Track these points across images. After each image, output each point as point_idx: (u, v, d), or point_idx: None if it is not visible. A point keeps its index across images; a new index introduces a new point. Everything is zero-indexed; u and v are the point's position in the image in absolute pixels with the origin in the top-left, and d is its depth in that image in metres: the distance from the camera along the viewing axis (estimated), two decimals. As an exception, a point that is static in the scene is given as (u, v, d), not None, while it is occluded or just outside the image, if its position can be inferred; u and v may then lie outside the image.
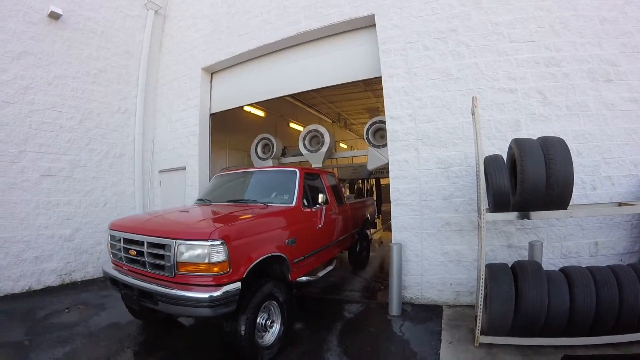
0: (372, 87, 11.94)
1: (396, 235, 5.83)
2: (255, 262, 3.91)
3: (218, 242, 3.49)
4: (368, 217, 8.75)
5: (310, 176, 5.98)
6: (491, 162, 4.09)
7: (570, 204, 3.82)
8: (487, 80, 5.35)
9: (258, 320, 3.95)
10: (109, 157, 8.42)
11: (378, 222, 13.94)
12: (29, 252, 6.85)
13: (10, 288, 6.54)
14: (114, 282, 4.26)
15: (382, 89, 6.07)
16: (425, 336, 4.54)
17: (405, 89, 5.80)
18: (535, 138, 3.98)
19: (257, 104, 10.76)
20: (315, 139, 8.82)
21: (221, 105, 8.85)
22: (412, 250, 5.71)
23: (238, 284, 3.63)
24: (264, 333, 4.10)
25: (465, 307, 5.32)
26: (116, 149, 8.58)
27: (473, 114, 4.18)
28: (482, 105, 5.09)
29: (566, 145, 3.71)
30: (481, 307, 4.04)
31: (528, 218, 3.96)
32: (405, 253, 5.70)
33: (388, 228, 13.74)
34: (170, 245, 3.62)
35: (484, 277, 4.05)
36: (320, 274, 5.48)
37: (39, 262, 6.96)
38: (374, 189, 16.29)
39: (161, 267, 3.73)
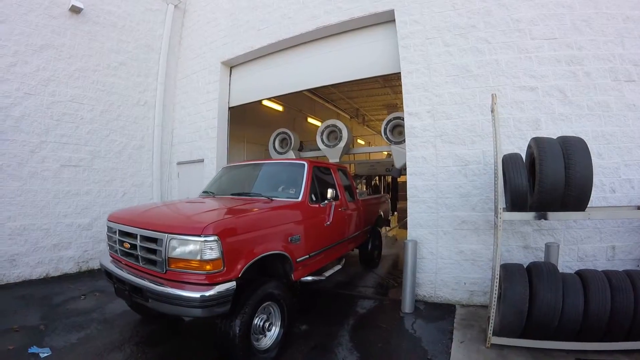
0: (390, 83, 11.90)
1: (412, 232, 5.79)
2: (253, 260, 3.67)
3: (212, 238, 3.25)
4: (381, 215, 8.47)
5: (320, 170, 5.71)
6: (510, 161, 4.02)
7: (588, 205, 3.73)
8: (507, 77, 5.25)
9: (255, 322, 3.73)
10: (129, 148, 8.53)
11: (393, 219, 13.85)
12: (48, 240, 6.99)
13: (28, 274, 6.69)
14: (109, 275, 4.09)
15: (400, 85, 6.02)
16: (437, 335, 4.51)
17: (424, 85, 5.74)
18: (555, 137, 3.90)
19: (276, 99, 10.81)
20: (333, 134, 8.78)
21: (240, 99, 8.89)
22: (427, 248, 5.67)
23: (233, 284, 3.38)
24: (261, 336, 3.89)
25: (478, 307, 5.27)
26: (135, 140, 8.70)
27: (492, 111, 4.12)
28: (501, 103, 5.03)
29: (586, 145, 3.62)
30: (494, 307, 3.99)
31: (545, 219, 3.88)
32: (420, 250, 5.66)
33: (403, 226, 13.69)
34: (162, 240, 3.40)
35: (498, 277, 3.98)
36: (327, 273, 5.34)
37: (57, 250, 7.10)
38: (390, 186, 16.17)
39: (153, 262, 3.52)
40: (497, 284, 3.97)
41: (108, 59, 8.03)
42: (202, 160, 8.74)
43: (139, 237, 3.68)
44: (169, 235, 3.37)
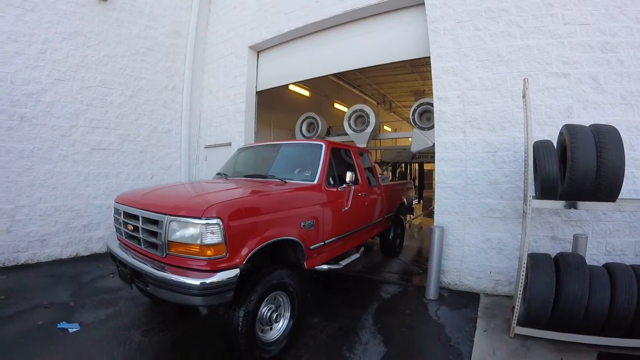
0: (418, 69, 11.74)
1: (439, 218, 5.74)
2: (260, 246, 3.40)
3: (213, 222, 3.00)
4: (404, 202, 8.13)
5: (338, 152, 5.40)
6: (541, 148, 3.92)
7: (618, 197, 3.63)
8: (538, 63, 5.09)
9: (262, 312, 3.49)
10: (157, 132, 8.67)
11: (418, 207, 13.70)
12: (78, 220, 7.20)
13: (59, 253, 6.92)
14: (114, 258, 3.92)
15: (429, 71, 5.92)
16: (461, 322, 4.48)
17: (454, 70, 5.62)
18: (587, 125, 3.79)
19: (303, 83, 10.81)
20: (360, 119, 8.68)
21: (267, 83, 8.91)
22: (454, 235, 5.61)
23: (236, 271, 3.13)
24: (268, 327, 3.64)
25: (502, 297, 5.21)
26: (164, 124, 8.82)
27: (524, 96, 4.02)
28: (532, 89, 4.88)
29: (619, 134, 3.50)
30: (520, 296, 3.92)
31: (575, 208, 3.78)
32: (447, 237, 5.61)
33: (429, 215, 13.58)
34: (162, 222, 3.19)
35: (525, 266, 3.92)
36: (344, 262, 5.02)
37: (87, 230, 7.31)
38: (417, 173, 16.00)
39: (155, 246, 3.31)
40: (524, 273, 3.90)
41: (136, 45, 8.14)
42: (229, 144, 8.80)
43: (140, 218, 3.50)
44: (169, 217, 3.16)
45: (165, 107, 8.83)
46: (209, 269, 3.02)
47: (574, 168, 3.49)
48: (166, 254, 3.17)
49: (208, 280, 2.93)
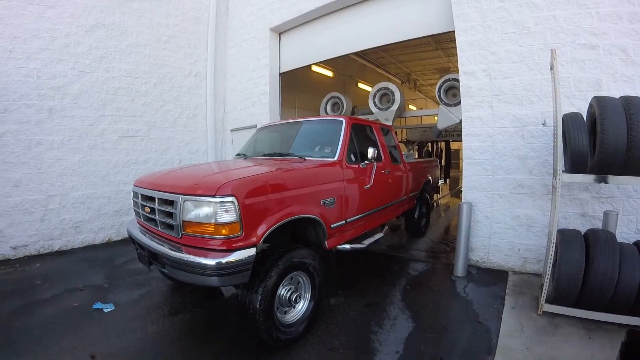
0: (442, 45, 11.56)
1: (467, 194, 5.69)
2: (278, 225, 3.30)
3: (228, 199, 2.92)
4: (430, 180, 7.93)
5: (360, 128, 5.22)
6: (570, 120, 3.83)
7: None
8: (566, 34, 4.91)
9: (281, 293, 3.43)
10: (183, 117, 8.79)
11: (445, 187, 13.52)
12: (109, 207, 7.40)
13: (92, 239, 7.16)
14: (133, 240, 3.89)
15: (453, 47, 5.81)
16: (489, 299, 4.47)
17: (479, 43, 5.48)
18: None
19: (326, 64, 10.73)
20: (385, 97, 8.58)
21: (290, 64, 8.89)
22: (482, 212, 5.55)
23: (252, 251, 3.04)
24: (287, 308, 3.57)
25: (531, 275, 5.16)
26: (189, 110, 8.94)
27: (552, 68, 3.89)
28: (560, 61, 4.71)
29: None
30: (548, 274, 3.89)
31: (605, 182, 3.66)
32: (475, 214, 5.56)
33: (456, 194, 13.41)
34: (176, 202, 3.14)
35: (554, 242, 3.84)
36: (367, 242, 4.80)
37: (119, 216, 7.50)
38: (443, 153, 15.77)
39: (171, 227, 3.26)
40: (553, 249, 3.84)
41: (158, 34, 8.21)
42: (255, 126, 8.81)
43: (156, 199, 3.45)
44: (183, 196, 3.09)
45: (189, 93, 8.93)
46: (224, 248, 2.96)
47: (604, 141, 3.39)
48: (182, 235, 3.13)
49: (224, 260, 2.88)
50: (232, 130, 9.66)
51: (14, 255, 6.10)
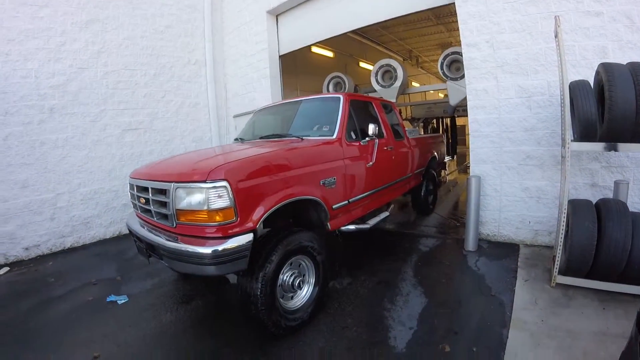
0: (443, 20, 11.44)
1: (474, 168, 5.62)
2: (275, 208, 3.19)
3: (220, 184, 2.82)
4: (435, 156, 7.76)
5: (359, 104, 5.06)
6: (577, 88, 3.74)
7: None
8: (569, 2, 4.76)
9: (283, 279, 3.35)
10: (185, 107, 8.74)
11: (452, 163, 13.44)
12: (118, 200, 7.40)
13: (102, 234, 7.19)
14: (132, 234, 3.83)
15: (454, 21, 5.71)
16: (501, 273, 4.45)
17: (480, 14, 5.35)
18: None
19: (325, 44, 10.68)
20: (387, 74, 8.50)
21: (289, 46, 8.78)
22: (491, 185, 5.50)
23: (249, 236, 2.94)
24: (290, 294, 3.48)
25: (542, 247, 5.12)
26: (190, 98, 8.88)
27: (556, 36, 3.81)
28: (565, 29, 4.60)
29: None
30: (560, 245, 3.83)
31: (615, 150, 3.60)
32: (484, 187, 5.51)
33: (464, 170, 13.33)
34: (168, 190, 3.05)
35: (565, 212, 3.81)
36: (372, 222, 4.73)
37: (128, 209, 7.43)
38: (449, 129, 15.63)
39: (166, 217, 3.17)
40: (564, 220, 3.80)
41: (154, 24, 8.12)
42: (257, 111, 8.80)
43: (150, 190, 3.36)
44: (175, 184, 3.00)
45: (189, 82, 8.87)
46: (220, 235, 2.88)
47: (613, 107, 3.32)
48: (176, 224, 3.05)
49: (220, 248, 2.79)
50: (235, 116, 9.59)
51: (27, 256, 6.13)
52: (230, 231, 2.89)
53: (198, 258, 2.82)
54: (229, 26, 9.65)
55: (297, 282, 3.46)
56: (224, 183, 2.83)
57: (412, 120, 12.79)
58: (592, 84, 3.85)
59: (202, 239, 2.90)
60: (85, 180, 6.94)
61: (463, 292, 4.13)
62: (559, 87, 4.26)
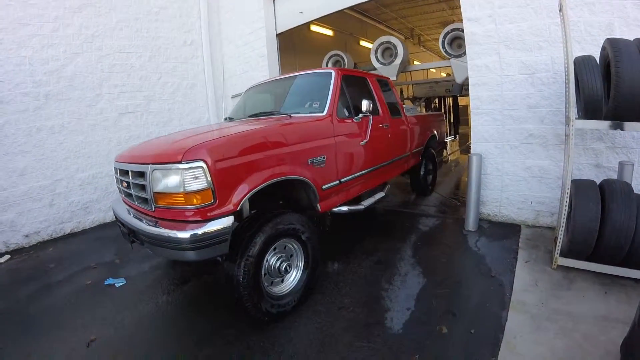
0: (446, -4, 11.13)
1: (476, 146, 5.52)
2: (257, 189, 3.04)
3: (196, 164, 2.69)
4: (435, 135, 7.56)
5: (352, 80, 4.84)
6: (582, 63, 3.62)
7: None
8: (574, -24, 4.61)
9: (270, 262, 3.23)
10: (182, 88, 8.60)
11: (454, 143, 13.33)
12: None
13: (102, 218, 7.14)
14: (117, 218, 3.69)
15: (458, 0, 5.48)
16: (501, 253, 4.41)
17: (483, -14, 5.20)
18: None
19: (325, 23, 10.56)
20: (387, 52, 8.35)
21: (286, 24, 8.57)
22: (492, 164, 5.41)
23: (229, 219, 2.83)
24: (279, 279, 3.37)
25: (544, 228, 5.06)
26: (187, 79, 8.74)
27: (560, 9, 3.70)
28: (569, 4, 4.41)
29: None
30: (563, 226, 3.76)
31: (622, 129, 3.46)
32: (485, 166, 5.42)
33: (466, 151, 13.23)
34: (146, 173, 2.93)
35: (568, 192, 3.72)
36: (366, 202, 4.63)
37: (126, 193, 7.46)
38: (452, 109, 15.47)
39: (146, 200, 3.05)
40: (567, 201, 3.72)
41: (147, 6, 7.93)
42: (255, 91, 8.69)
43: (130, 173, 3.24)
44: (152, 166, 2.88)
45: (186, 63, 8.72)
46: (199, 219, 2.77)
47: (619, 83, 3.19)
48: (154, 208, 2.95)
49: (200, 231, 2.69)
50: (233, 97, 9.43)
51: (28, 243, 6.11)
52: (209, 214, 2.79)
53: (176, 243, 2.72)
54: (225, 5, 9.44)
55: (284, 266, 3.33)
56: (201, 163, 2.71)
57: (414, 99, 12.67)
58: (597, 61, 3.71)
59: (182, 223, 2.80)
60: (83, 166, 6.87)
61: (462, 272, 4.10)
62: (563, 63, 4.13)
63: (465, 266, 4.24)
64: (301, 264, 3.53)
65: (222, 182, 2.82)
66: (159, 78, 8.08)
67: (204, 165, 2.71)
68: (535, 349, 2.68)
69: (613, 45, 3.32)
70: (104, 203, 7.13)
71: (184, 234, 2.67)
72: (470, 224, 5.20)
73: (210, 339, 3.11)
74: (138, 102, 7.71)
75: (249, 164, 3.03)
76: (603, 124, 3.54)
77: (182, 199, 2.75)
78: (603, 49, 3.62)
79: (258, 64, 8.62)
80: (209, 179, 2.73)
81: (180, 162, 2.69)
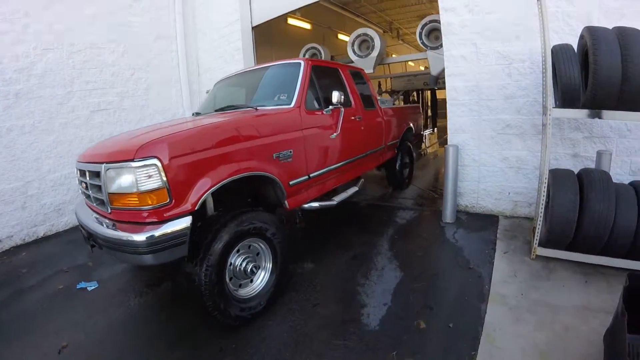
0: (424, -10, 11.13)
1: (452, 138, 5.48)
2: (217, 187, 2.87)
3: (149, 162, 2.52)
4: (411, 127, 7.40)
5: (323, 70, 4.71)
6: (560, 52, 3.59)
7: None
8: (552, -35, 4.58)
9: (235, 263, 3.07)
10: (155, 84, 8.38)
11: (433, 136, 13.38)
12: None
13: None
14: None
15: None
16: (479, 245, 4.38)
17: (459, -25, 5.15)
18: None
19: (303, 16, 10.46)
20: (364, 44, 8.29)
21: (262, 16, 8.45)
22: (469, 155, 5.38)
23: (186, 220, 2.67)
24: (243, 281, 3.18)
25: (522, 218, 5.07)
26: (161, 75, 8.52)
27: (538, -3, 3.64)
28: (548, -6, 4.42)
29: None
30: (541, 216, 3.76)
31: (599, 117, 3.46)
32: (462, 157, 5.39)
33: (444, 143, 13.31)
34: (101, 172, 2.75)
35: (546, 182, 3.69)
36: (338, 198, 4.49)
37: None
38: (430, 102, 15.51)
39: (103, 202, 2.85)
40: (545, 190, 3.69)
41: (120, 0, 7.70)
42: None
43: (87, 173, 3.06)
44: (106, 165, 2.70)
45: (160, 58, 8.50)
46: (155, 220, 2.60)
47: (597, 71, 3.17)
48: (111, 209, 2.77)
49: (157, 233, 2.53)
50: (208, 92, 9.26)
51: (1, 249, 5.85)
52: (165, 215, 2.62)
53: (132, 246, 2.56)
54: (200, -1, 9.29)
55: (250, 267, 3.16)
56: (154, 161, 2.54)
57: (392, 92, 12.67)
58: (575, 49, 3.70)
59: (139, 225, 2.63)
60: (55, 166, 6.61)
61: (440, 265, 4.07)
62: (540, 53, 4.10)
63: (443, 259, 4.21)
64: (269, 265, 3.37)
65: (178, 180, 2.66)
66: (132, 74, 7.85)
67: (158, 163, 2.55)
68: (516, 341, 2.64)
69: (592, 33, 3.30)
70: (77, 204, 6.92)
71: (140, 237, 2.52)
72: (448, 216, 5.17)
73: (182, 342, 3.00)
74: (111, 99, 7.48)
75: (206, 160, 2.86)
76: (581, 113, 3.52)
77: (137, 199, 2.59)
78: (581, 37, 3.61)
79: (233, 57, 8.47)
80: (164, 177, 2.56)
81: (132, 160, 2.53)
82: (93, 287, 4.17)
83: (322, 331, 2.98)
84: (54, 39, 6.60)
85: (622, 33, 3.23)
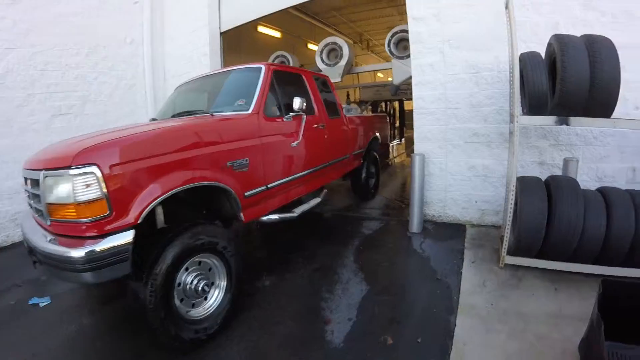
0: (395, 2, 11.25)
1: (419, 146, 5.45)
2: (162, 198, 2.62)
3: (87, 170, 2.27)
4: (377, 137, 7.27)
5: (285, 76, 4.57)
6: (528, 59, 3.59)
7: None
8: (521, -24, 4.63)
9: (185, 282, 2.81)
10: (120, 89, 8.12)
11: (400, 147, 13.47)
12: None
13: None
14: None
15: (405, 4, 5.42)
16: (447, 254, 4.33)
17: (428, -16, 5.16)
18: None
19: (273, 24, 10.46)
20: (333, 53, 8.28)
21: (231, 22, 8.33)
22: (436, 164, 5.37)
23: (128, 234, 2.42)
24: (196, 300, 2.92)
25: (490, 227, 5.07)
26: (126, 80, 8.27)
27: (507, 7, 3.71)
28: (516, 4, 4.35)
29: (613, 45, 3.18)
30: (509, 224, 3.71)
31: (567, 124, 3.45)
32: (429, 166, 5.37)
33: (410, 153, 13.47)
34: (40, 180, 2.50)
35: (514, 190, 3.66)
36: (299, 209, 4.33)
37: (59, 201, 6.94)
38: (397, 113, 15.66)
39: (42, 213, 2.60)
40: (513, 198, 3.65)
41: (87, 0, 7.44)
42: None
43: (28, 181, 2.85)
44: (44, 172, 2.46)
45: (125, 62, 8.25)
46: (95, 234, 2.34)
47: (565, 79, 3.18)
48: (50, 221, 2.50)
49: (98, 248, 2.28)
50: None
51: (-46, 261, 5.53)
52: (106, 228, 2.36)
53: (69, 263, 2.30)
54: (168, 3, 9.06)
55: (202, 285, 2.91)
56: (93, 168, 2.29)
57: (361, 102, 12.75)
58: (543, 57, 3.72)
59: (78, 239, 2.36)
60: (12, 172, 6.15)
61: (407, 276, 4.01)
62: (508, 62, 4.15)
63: (410, 270, 4.15)
64: (223, 283, 3.12)
65: (119, 190, 2.41)
66: (95, 77, 7.57)
67: (97, 171, 2.31)
68: (487, 353, 2.56)
69: (559, 40, 3.34)
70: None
71: (78, 252, 2.26)
72: (415, 225, 5.11)
73: (135, 363, 2.79)
74: (72, 102, 7.17)
75: (151, 168, 2.61)
76: (549, 120, 3.53)
77: (74, 210, 2.34)
78: (549, 45, 3.64)
79: (200, 62, 8.30)
80: (103, 187, 2.33)
81: (70, 167, 2.28)
82: (45, 303, 3.93)
83: (282, 350, 2.82)
84: (17, 38, 6.33)
85: (590, 40, 3.26)
